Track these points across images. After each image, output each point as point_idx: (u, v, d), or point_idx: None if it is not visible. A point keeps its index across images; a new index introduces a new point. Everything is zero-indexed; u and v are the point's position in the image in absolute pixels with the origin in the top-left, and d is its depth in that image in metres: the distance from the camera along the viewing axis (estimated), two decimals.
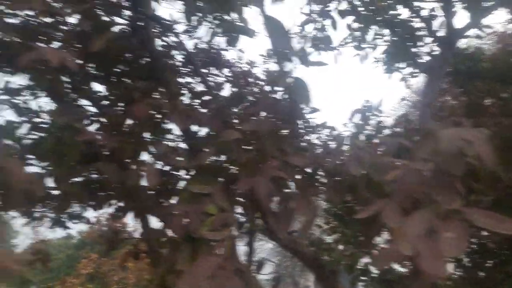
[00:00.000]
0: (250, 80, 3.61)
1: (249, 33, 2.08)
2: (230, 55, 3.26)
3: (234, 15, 2.35)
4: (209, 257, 1.49)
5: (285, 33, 1.73)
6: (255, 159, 1.73)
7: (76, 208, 3.64)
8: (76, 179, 2.10)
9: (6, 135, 1.94)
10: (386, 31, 4.11)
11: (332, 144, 2.18)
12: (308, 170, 1.85)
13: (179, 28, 3.59)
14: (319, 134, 2.50)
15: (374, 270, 3.51)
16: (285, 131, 2.06)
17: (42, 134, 2.06)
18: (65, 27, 2.19)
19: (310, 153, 1.89)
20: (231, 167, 1.93)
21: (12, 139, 1.96)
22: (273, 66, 3.96)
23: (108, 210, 2.94)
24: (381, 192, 1.50)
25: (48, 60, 1.54)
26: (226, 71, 3.80)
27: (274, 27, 1.76)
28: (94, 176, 2.32)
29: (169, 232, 2.72)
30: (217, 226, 1.61)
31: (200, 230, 1.58)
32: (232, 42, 3.34)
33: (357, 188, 1.63)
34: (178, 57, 2.86)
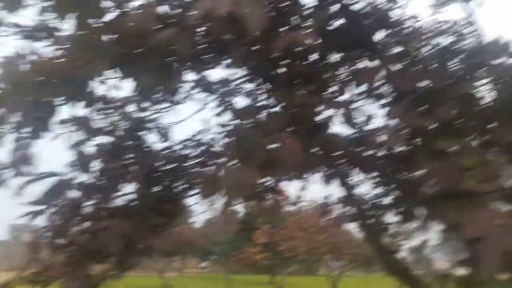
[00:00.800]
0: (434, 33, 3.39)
1: None
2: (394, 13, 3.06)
3: None
4: (485, 209, 1.48)
5: None
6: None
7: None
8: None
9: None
10: None
11: None
12: None
13: None
14: None
15: None
16: None
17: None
18: None
19: None
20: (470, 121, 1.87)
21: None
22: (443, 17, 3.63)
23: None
24: None
25: (299, 42, 1.72)
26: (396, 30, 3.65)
27: None
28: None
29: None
30: (481, 179, 1.59)
31: (464, 184, 1.59)
32: None
33: None
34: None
